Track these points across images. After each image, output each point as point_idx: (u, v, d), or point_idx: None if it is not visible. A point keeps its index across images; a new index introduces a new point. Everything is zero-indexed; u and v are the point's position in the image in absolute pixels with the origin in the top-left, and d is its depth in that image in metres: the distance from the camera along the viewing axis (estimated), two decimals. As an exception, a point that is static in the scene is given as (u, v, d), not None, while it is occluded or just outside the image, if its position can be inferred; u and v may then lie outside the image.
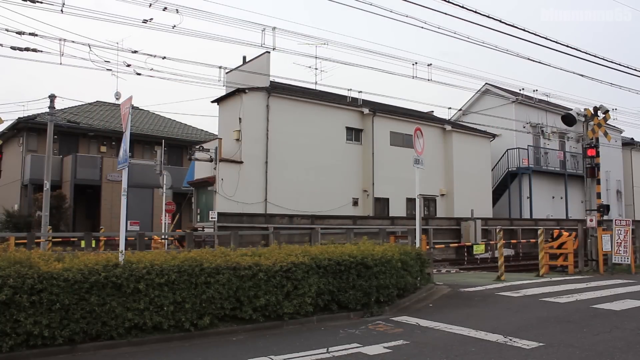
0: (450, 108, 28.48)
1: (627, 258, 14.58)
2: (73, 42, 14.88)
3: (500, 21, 14.57)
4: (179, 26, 14.74)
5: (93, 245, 11.15)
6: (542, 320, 7.78)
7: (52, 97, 21.34)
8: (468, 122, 31.29)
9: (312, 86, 24.85)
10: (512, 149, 29.71)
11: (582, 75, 30.39)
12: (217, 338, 6.93)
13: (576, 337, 6.61)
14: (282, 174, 21.29)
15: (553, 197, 31.06)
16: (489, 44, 20.29)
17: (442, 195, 26.52)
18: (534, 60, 18.13)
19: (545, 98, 28.34)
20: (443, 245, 15.93)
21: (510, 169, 29.70)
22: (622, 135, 37.01)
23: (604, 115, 16.20)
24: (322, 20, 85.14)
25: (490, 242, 15.30)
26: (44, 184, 19.94)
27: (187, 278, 6.91)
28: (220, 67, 18.33)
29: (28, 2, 12.48)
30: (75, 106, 26.25)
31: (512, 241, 17.57)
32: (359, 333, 7.11)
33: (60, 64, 18.11)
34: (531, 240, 16.64)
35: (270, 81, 22.49)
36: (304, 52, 38.82)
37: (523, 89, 27.99)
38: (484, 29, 23.40)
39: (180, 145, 31.01)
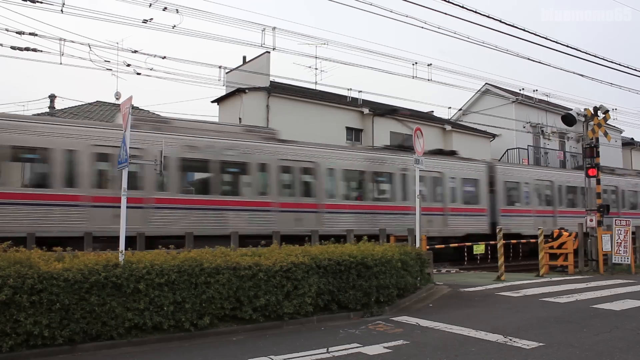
0: (450, 108, 28.50)
1: (627, 258, 14.58)
2: (73, 42, 14.92)
3: (500, 21, 14.60)
4: (179, 26, 14.75)
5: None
6: (542, 320, 7.78)
7: (52, 97, 21.36)
8: (468, 122, 31.28)
9: (312, 86, 24.87)
10: (512, 149, 29.69)
11: (582, 75, 30.40)
12: (217, 338, 6.93)
13: (576, 337, 6.61)
14: (282, 174, 21.28)
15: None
16: (489, 44, 20.29)
17: (442, 195, 26.50)
18: (534, 60, 18.19)
19: (545, 98, 28.34)
20: (443, 245, 15.90)
21: (510, 169, 29.70)
22: (622, 135, 37.02)
23: (604, 115, 16.20)
24: (322, 20, 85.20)
25: (491, 242, 15.26)
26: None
27: (187, 278, 6.91)
28: (220, 67, 18.36)
29: (28, 2, 12.49)
30: (76, 106, 26.24)
31: (512, 241, 17.55)
32: (359, 333, 7.11)
33: (60, 63, 18.11)
34: (531, 240, 16.62)
35: (270, 81, 22.48)
36: (304, 52, 38.70)
37: (523, 89, 28.00)
38: (484, 29, 23.40)
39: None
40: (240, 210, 14.12)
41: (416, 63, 19.38)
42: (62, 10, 12.94)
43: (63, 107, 22.84)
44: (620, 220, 15.07)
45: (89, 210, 12.25)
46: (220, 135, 14.34)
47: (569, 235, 15.13)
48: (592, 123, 16.02)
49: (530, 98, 29.41)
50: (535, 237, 14.67)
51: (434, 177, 18.18)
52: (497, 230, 13.20)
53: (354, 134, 24.30)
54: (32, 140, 11.94)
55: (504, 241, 13.35)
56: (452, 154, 20.59)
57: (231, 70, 21.50)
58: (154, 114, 24.75)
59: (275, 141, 15.41)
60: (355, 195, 16.89)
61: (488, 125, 28.40)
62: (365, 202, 16.70)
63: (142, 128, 12.89)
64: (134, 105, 19.86)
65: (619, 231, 14.72)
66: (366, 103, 24.95)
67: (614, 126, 32.11)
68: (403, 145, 19.45)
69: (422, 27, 14.79)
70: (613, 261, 14.91)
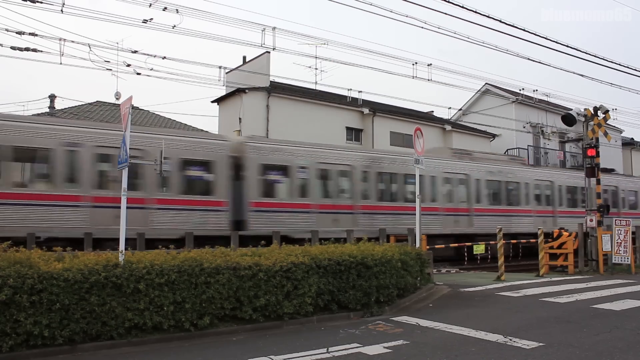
0: (450, 108, 28.51)
1: (627, 258, 14.57)
2: (73, 42, 14.87)
3: (500, 21, 14.59)
4: (179, 26, 14.73)
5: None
6: (542, 320, 7.78)
7: (52, 97, 21.35)
8: (468, 122, 31.29)
9: (312, 86, 24.89)
10: (512, 148, 29.70)
11: (582, 75, 30.42)
12: (217, 338, 6.93)
13: (576, 337, 6.61)
14: (283, 174, 21.35)
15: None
16: (489, 44, 20.35)
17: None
18: (534, 60, 18.17)
19: (545, 98, 28.32)
20: (443, 245, 15.89)
21: (510, 169, 29.79)
22: (622, 135, 37.00)
23: (604, 115, 16.18)
24: (322, 20, 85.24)
25: (491, 242, 15.26)
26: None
27: (187, 278, 6.91)
28: (220, 67, 18.35)
29: (28, 2, 12.48)
30: (75, 106, 26.25)
31: (512, 241, 17.55)
32: (359, 333, 7.11)
33: (60, 63, 18.14)
34: (531, 240, 16.62)
35: (270, 81, 22.49)
36: (304, 52, 38.79)
37: (523, 89, 27.99)
38: (484, 29, 23.39)
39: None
40: (520, 216, 20.61)
41: (416, 63, 19.40)
42: (62, 10, 12.94)
43: (63, 107, 22.84)
44: (620, 220, 15.07)
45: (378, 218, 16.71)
46: (498, 162, 21.12)
47: (569, 235, 15.13)
48: (592, 123, 16.00)
49: (530, 98, 29.39)
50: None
51: (612, 191, 24.18)
52: (497, 230, 13.20)
53: (354, 133, 24.32)
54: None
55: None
56: (610, 171, 26.18)
57: (231, 70, 21.50)
58: (153, 114, 24.76)
59: (527, 166, 22.86)
60: (567, 204, 23.01)
61: (488, 125, 28.39)
62: (568, 208, 22.74)
63: (464, 158, 19.83)
64: (134, 106, 19.85)
65: (619, 231, 14.71)
66: (366, 103, 24.95)
67: (614, 126, 32.10)
68: (575, 166, 26.69)
69: (422, 27, 14.79)
70: (613, 261, 14.90)
